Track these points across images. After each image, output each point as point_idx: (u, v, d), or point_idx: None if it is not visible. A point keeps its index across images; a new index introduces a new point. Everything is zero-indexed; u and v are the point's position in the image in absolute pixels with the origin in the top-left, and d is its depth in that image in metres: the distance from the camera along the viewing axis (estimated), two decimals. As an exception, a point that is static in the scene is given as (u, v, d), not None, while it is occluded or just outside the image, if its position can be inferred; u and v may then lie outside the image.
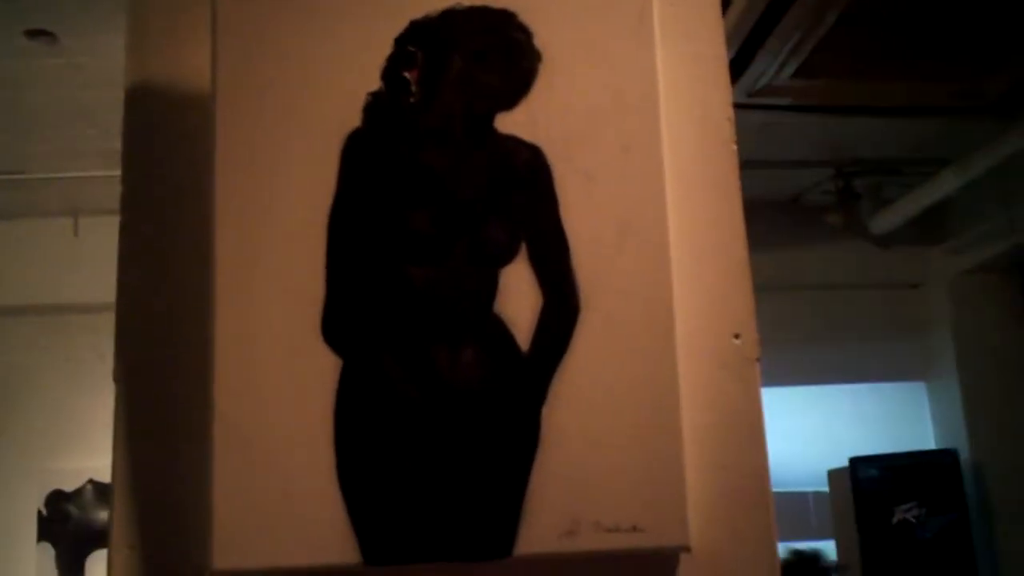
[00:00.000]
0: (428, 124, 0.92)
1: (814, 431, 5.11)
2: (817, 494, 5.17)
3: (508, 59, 0.94)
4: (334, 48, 0.92)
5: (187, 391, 0.88)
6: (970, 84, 3.48)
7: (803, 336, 4.95)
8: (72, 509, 5.25)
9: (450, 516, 0.85)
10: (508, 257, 0.90)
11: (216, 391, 0.85)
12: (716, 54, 1.02)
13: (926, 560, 4.67)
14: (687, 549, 0.88)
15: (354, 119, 0.91)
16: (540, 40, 0.94)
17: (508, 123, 0.93)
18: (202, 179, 0.90)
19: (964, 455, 4.99)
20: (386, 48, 0.93)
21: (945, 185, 4.49)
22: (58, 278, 5.38)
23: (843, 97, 3.59)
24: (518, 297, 0.89)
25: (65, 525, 5.24)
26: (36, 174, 4.84)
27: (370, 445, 0.86)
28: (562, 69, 0.94)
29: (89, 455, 5.06)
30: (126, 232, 0.93)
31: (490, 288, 0.90)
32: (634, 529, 0.86)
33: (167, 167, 0.94)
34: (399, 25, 0.93)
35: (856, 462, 5.00)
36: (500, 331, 0.89)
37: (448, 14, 0.93)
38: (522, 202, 0.91)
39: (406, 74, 0.92)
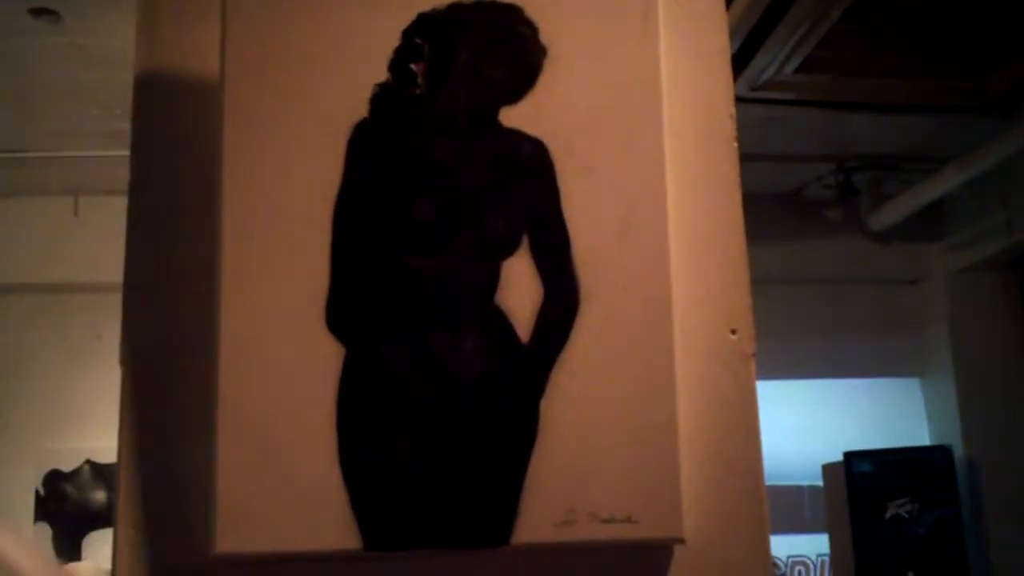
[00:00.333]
0: (434, 116, 0.93)
1: (809, 425, 5.13)
2: (812, 487, 5.19)
3: (514, 53, 0.95)
4: (342, 39, 0.93)
5: (192, 376, 0.89)
6: (972, 82, 3.49)
7: (800, 330, 4.96)
8: (69, 489, 5.26)
9: (449, 504, 0.87)
10: (510, 249, 0.91)
11: (221, 377, 0.86)
12: (719, 51, 1.03)
13: (918, 555, 4.70)
14: (681, 541, 0.89)
15: (361, 109, 0.92)
16: (545, 35, 0.95)
17: (513, 116, 0.94)
18: (210, 166, 0.91)
19: (958, 451, 5.01)
20: (393, 40, 0.93)
21: (945, 182, 4.50)
22: (57, 257, 5.38)
23: (846, 93, 3.60)
24: (519, 289, 0.90)
25: (62, 505, 5.25)
26: (37, 152, 4.84)
27: (372, 433, 0.87)
28: (567, 64, 0.95)
29: (86, 435, 5.07)
30: (133, 217, 0.94)
31: (492, 279, 0.91)
32: (629, 520, 0.87)
33: (175, 153, 0.95)
34: (407, 17, 0.94)
35: (850, 456, 5.02)
36: (501, 322, 0.90)
37: (455, 7, 0.94)
38: (525, 195, 0.93)
39: (413, 66, 0.93)
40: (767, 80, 3.19)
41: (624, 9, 0.97)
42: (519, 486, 0.87)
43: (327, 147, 0.91)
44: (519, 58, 0.94)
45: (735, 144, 1.01)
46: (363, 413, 0.87)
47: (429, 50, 0.94)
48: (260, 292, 0.88)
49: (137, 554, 0.87)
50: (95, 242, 5.31)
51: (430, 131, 0.93)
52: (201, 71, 0.96)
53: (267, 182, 0.90)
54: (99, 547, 5.05)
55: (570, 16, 0.95)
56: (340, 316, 0.88)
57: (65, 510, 5.21)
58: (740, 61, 2.90)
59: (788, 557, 5.16)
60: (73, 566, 2.30)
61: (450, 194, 0.92)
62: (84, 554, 5.09)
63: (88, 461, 5.22)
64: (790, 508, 5.12)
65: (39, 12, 3.52)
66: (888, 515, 4.89)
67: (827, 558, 5.13)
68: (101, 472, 5.17)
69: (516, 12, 0.95)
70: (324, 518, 0.85)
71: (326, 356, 0.88)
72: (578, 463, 0.88)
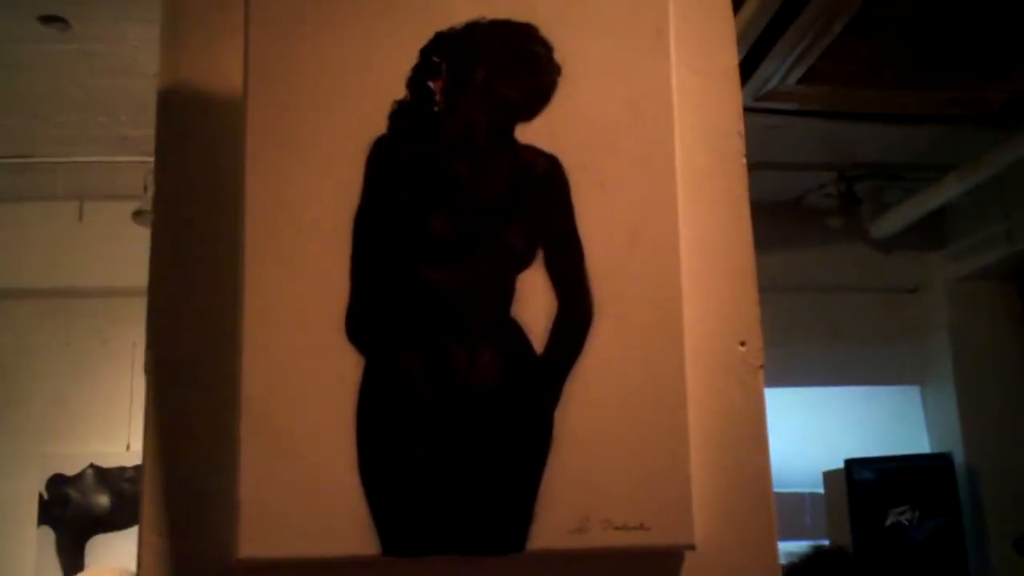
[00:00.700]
0: (451, 132, 0.95)
1: (810, 432, 5.14)
2: (813, 495, 5.21)
3: (529, 71, 0.97)
4: (362, 56, 0.96)
5: (216, 385, 0.92)
6: (973, 93, 3.51)
7: (801, 338, 4.98)
8: (73, 493, 5.27)
9: (465, 511, 0.89)
10: (525, 263, 0.94)
11: (244, 387, 0.88)
12: (728, 68, 1.06)
13: (919, 562, 4.71)
14: (692, 547, 0.91)
15: (380, 125, 0.94)
16: (560, 54, 0.97)
17: (528, 133, 0.96)
18: (232, 179, 0.93)
19: (958, 459, 5.03)
20: (412, 58, 0.96)
21: (946, 191, 4.53)
22: (62, 262, 5.39)
23: (848, 103, 3.62)
24: (534, 302, 0.93)
25: (65, 509, 5.26)
26: (43, 158, 4.86)
27: (390, 441, 0.89)
28: (580, 82, 0.97)
29: (90, 440, 5.08)
30: (158, 230, 0.96)
31: (507, 292, 0.93)
32: (642, 527, 0.90)
33: (199, 167, 0.98)
34: (425, 36, 0.96)
35: (851, 464, 5.04)
36: (516, 334, 0.92)
37: (472, 27, 0.97)
38: (540, 210, 0.95)
39: (431, 84, 0.96)
40: (770, 90, 3.22)
41: (636, 28, 0.99)
42: (534, 494, 0.90)
43: (347, 162, 0.94)
44: (534, 76, 0.97)
45: (743, 160, 1.03)
46: (382, 422, 0.90)
47: (446, 68, 0.96)
48: (282, 303, 0.90)
49: (161, 560, 0.89)
50: (100, 247, 5.34)
51: (447, 147, 0.95)
52: (223, 87, 0.99)
53: (288, 195, 0.92)
54: (102, 551, 5.06)
55: (584, 35, 0.98)
56: (360, 327, 0.91)
57: (68, 514, 5.22)
58: (744, 72, 2.91)
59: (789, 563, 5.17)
60: (99, 571, 2.31)
61: (467, 209, 0.94)
62: (87, 558, 5.10)
63: (91, 465, 5.22)
64: (791, 515, 5.14)
65: (48, 20, 3.56)
66: (889, 522, 4.91)
67: (828, 565, 5.13)
68: (104, 476, 5.18)
69: (531, 31, 0.97)
70: (344, 524, 0.87)
71: (346, 366, 0.90)
72: (592, 471, 0.90)
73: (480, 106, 0.96)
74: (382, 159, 0.94)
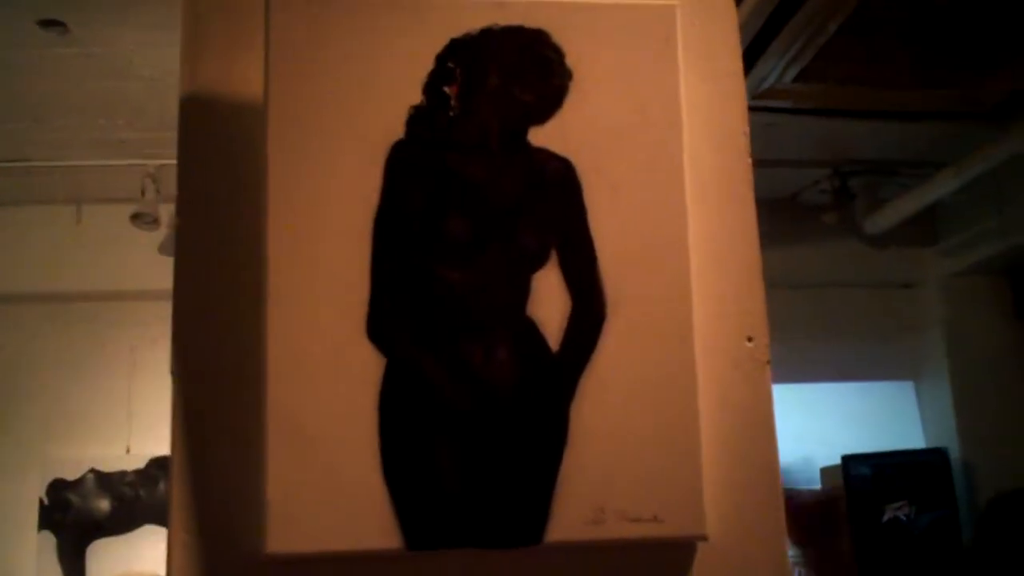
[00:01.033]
0: (466, 136, 0.98)
1: (807, 428, 5.17)
2: (811, 492, 5.23)
3: (541, 76, 1.00)
4: (379, 62, 0.98)
5: (241, 385, 0.94)
6: (967, 92, 3.55)
7: (796, 334, 5.00)
8: (73, 498, 5.26)
9: (485, 505, 0.91)
10: (539, 263, 0.96)
11: (269, 386, 0.91)
12: (734, 72, 1.08)
13: (916, 557, 4.74)
14: (704, 538, 0.94)
15: (397, 130, 0.97)
16: (571, 59, 1.00)
17: (541, 136, 0.99)
18: (254, 185, 0.95)
19: (954, 454, 5.06)
20: (428, 64, 0.98)
21: (940, 187, 4.56)
22: (60, 266, 5.39)
23: (843, 101, 3.66)
24: (549, 301, 0.95)
25: (66, 514, 5.26)
26: (41, 162, 4.87)
27: (412, 438, 0.92)
28: (592, 86, 1.00)
29: (90, 444, 5.07)
30: (183, 234, 0.99)
31: (523, 292, 0.96)
32: (655, 519, 0.92)
33: (221, 173, 1.00)
34: (440, 43, 0.99)
35: (848, 460, 5.07)
36: (532, 332, 0.95)
37: (486, 33, 0.99)
38: (553, 211, 0.98)
39: (446, 89, 0.98)
40: (767, 89, 3.25)
41: (645, 34, 1.02)
42: (551, 487, 0.92)
43: (366, 166, 0.96)
44: (546, 80, 0.99)
45: (749, 161, 1.06)
46: (403, 419, 0.92)
47: (461, 74, 0.99)
48: (304, 304, 0.93)
49: (191, 557, 0.92)
50: (98, 250, 5.34)
51: (463, 150, 0.98)
52: (244, 94, 1.01)
53: (309, 199, 0.95)
54: (103, 556, 5.07)
55: (594, 41, 1.00)
56: (380, 327, 0.93)
57: (68, 519, 5.21)
58: (740, 71, 2.95)
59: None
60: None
61: (483, 211, 0.96)
62: (88, 563, 5.10)
63: (92, 470, 5.21)
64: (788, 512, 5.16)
65: (47, 24, 3.57)
66: (886, 518, 4.94)
67: (826, 560, 5.16)
68: (105, 481, 5.17)
69: (544, 37, 1.00)
70: (368, 519, 0.90)
71: (367, 365, 0.92)
72: (606, 465, 0.93)
73: (494, 110, 0.98)
74: (400, 163, 0.96)
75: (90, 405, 5.45)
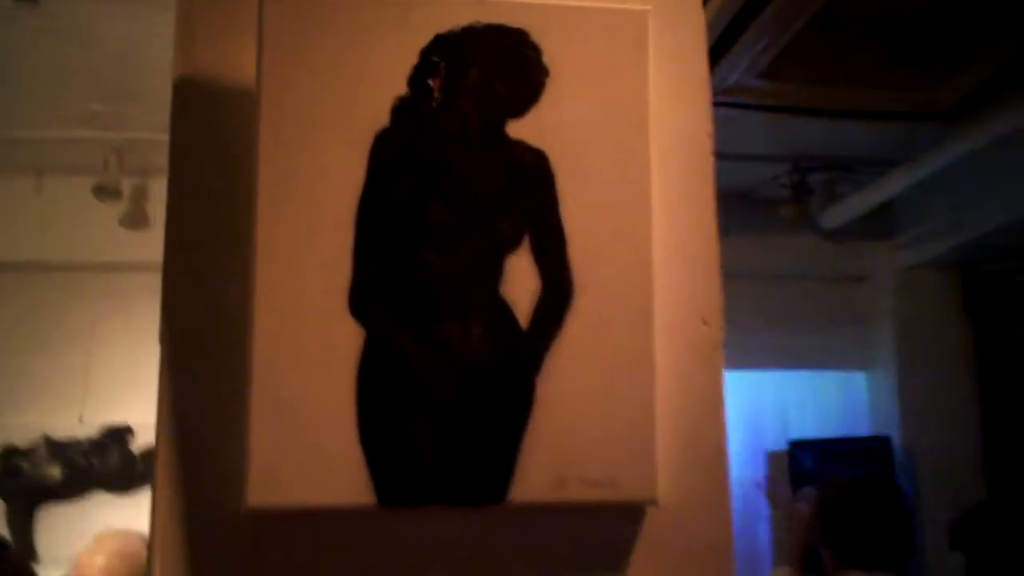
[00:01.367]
0: (448, 127, 1.05)
1: (757, 414, 5.30)
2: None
3: (520, 73, 1.07)
4: (368, 55, 1.05)
5: (226, 354, 1.00)
6: (925, 93, 3.67)
7: (751, 323, 5.11)
8: (24, 465, 5.25)
9: (454, 466, 0.99)
10: (513, 247, 1.04)
11: (254, 354, 0.97)
12: (700, 76, 1.16)
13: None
14: (655, 503, 1.03)
15: (383, 119, 1.03)
16: (548, 57, 1.07)
17: (517, 129, 1.06)
18: (245, 166, 1.02)
19: (897, 442, 5.22)
20: (413, 58, 1.05)
21: (894, 185, 4.69)
22: (19, 235, 5.35)
23: (804, 100, 3.76)
24: (520, 282, 1.03)
25: (17, 480, 5.25)
26: (1, 131, 4.84)
27: (387, 405, 0.99)
28: (566, 84, 1.07)
29: (44, 412, 5.06)
30: (173, 212, 1.04)
31: (496, 273, 1.03)
32: (611, 484, 1.01)
33: (212, 154, 1.06)
34: (425, 38, 1.05)
35: (795, 445, 5.21)
36: (504, 311, 1.03)
37: (469, 30, 1.06)
38: (527, 199, 1.05)
39: (430, 82, 1.05)
40: (730, 86, 3.34)
41: (618, 36, 1.09)
42: (516, 452, 1.00)
43: (353, 152, 1.03)
44: (524, 77, 1.07)
45: (711, 159, 1.14)
46: (380, 388, 0.99)
47: (445, 68, 1.05)
48: (290, 280, 0.99)
49: (174, 512, 0.98)
50: (59, 222, 5.32)
51: (444, 141, 1.05)
52: (236, 79, 1.07)
53: (298, 182, 1.01)
54: (52, 522, 5.07)
55: (570, 42, 1.08)
56: (362, 303, 1.00)
57: (20, 485, 5.20)
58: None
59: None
60: (101, 533, 2.38)
61: (461, 197, 1.04)
62: (36, 528, 5.09)
63: (44, 437, 5.20)
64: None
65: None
66: (829, 502, 5.08)
67: (771, 542, 5.30)
68: (57, 448, 5.16)
69: (523, 36, 1.07)
70: (344, 477, 0.97)
71: (349, 337, 0.99)
72: (568, 433, 1.01)
73: (475, 103, 1.05)
74: (384, 151, 1.03)
75: (45, 373, 5.42)
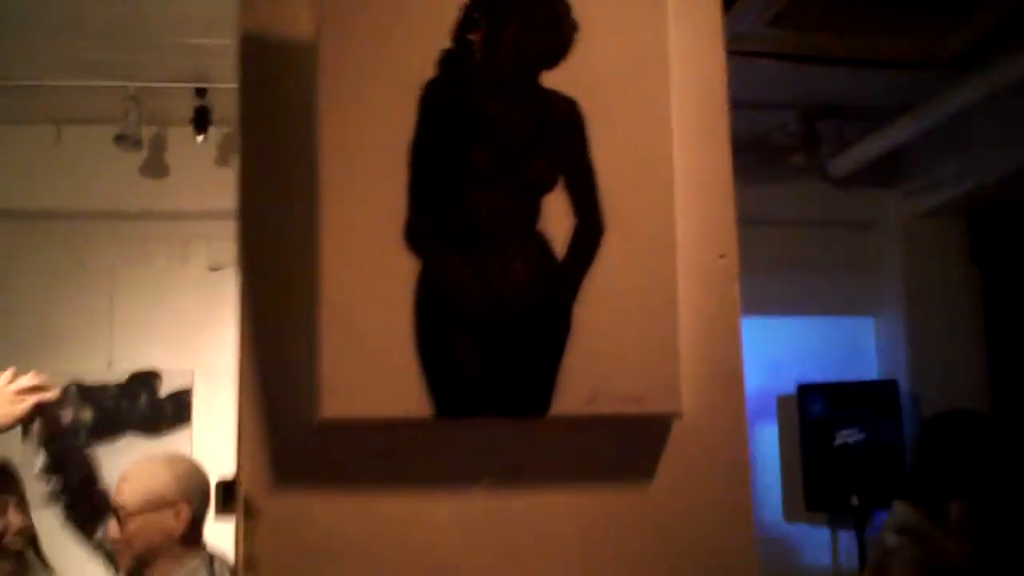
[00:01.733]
0: (488, 78, 1.16)
1: (768, 360, 5.40)
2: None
3: (553, 27, 1.17)
4: (416, 11, 1.15)
5: (298, 283, 1.12)
6: (931, 41, 3.74)
7: (761, 269, 5.19)
8: (56, 410, 5.40)
9: (502, 383, 1.11)
10: (548, 187, 1.15)
11: (323, 283, 1.09)
12: (716, 28, 1.26)
13: (862, 480, 5.03)
14: (679, 415, 1.15)
15: (430, 70, 1.14)
16: (577, 13, 1.18)
17: (551, 79, 1.16)
18: (306, 113, 1.13)
19: (904, 386, 5.34)
20: (456, 13, 1.16)
21: (901, 132, 4.76)
22: (38, 185, 5.45)
23: (812, 48, 3.83)
24: (556, 219, 1.14)
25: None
26: (19, 81, 4.91)
27: (442, 327, 1.11)
28: (593, 39, 1.18)
29: (72, 359, 5.20)
30: (246, 158, 1.16)
31: (534, 212, 1.14)
32: (640, 399, 1.13)
33: (278, 102, 1.17)
34: (467, -5, 1.16)
35: (803, 389, 5.34)
36: (541, 245, 1.14)
37: None
38: (560, 143, 1.16)
39: (471, 36, 1.15)
40: (740, 34, 3.42)
41: (641, -7, 1.20)
42: (556, 370, 1.12)
43: (403, 101, 1.13)
44: (557, 31, 1.17)
45: (726, 105, 1.25)
46: (434, 312, 1.11)
47: (485, 23, 1.16)
48: (353, 217, 1.11)
49: (256, 424, 1.11)
50: (78, 171, 5.42)
51: (485, 91, 1.15)
52: (296, 34, 1.17)
53: (356, 128, 1.12)
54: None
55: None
56: (415, 236, 1.12)
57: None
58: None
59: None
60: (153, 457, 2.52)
61: (501, 143, 1.15)
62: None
63: (75, 382, 5.34)
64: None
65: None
66: (836, 443, 5.22)
67: (779, 482, 5.44)
68: (88, 393, 5.31)
69: None
70: (405, 392, 1.09)
71: (405, 266, 1.11)
72: (601, 354, 1.13)
73: (513, 56, 1.16)
74: (431, 100, 1.14)
75: (71, 321, 5.56)
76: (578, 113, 1.16)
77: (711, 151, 1.24)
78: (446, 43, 1.15)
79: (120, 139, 5.19)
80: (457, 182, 1.13)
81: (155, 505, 2.29)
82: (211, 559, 2.40)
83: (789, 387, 5.36)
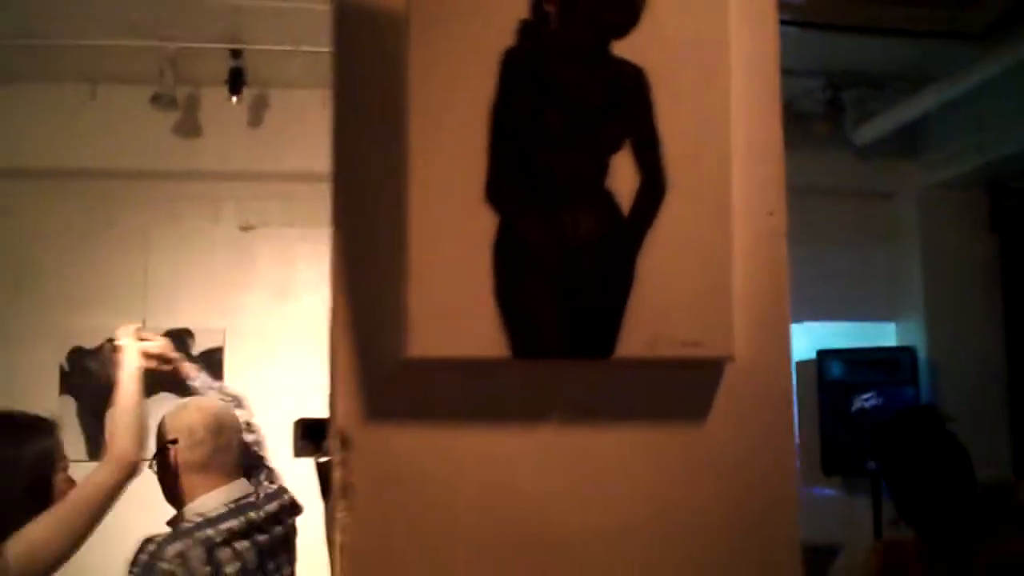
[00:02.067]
0: (562, 47, 1.25)
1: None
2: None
3: (624, 0, 1.27)
4: (497, -15, 1.25)
5: (387, 237, 1.22)
6: (956, 13, 3.80)
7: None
8: (92, 365, 5.54)
9: (572, 327, 1.22)
10: (616, 148, 1.25)
11: (410, 236, 1.20)
12: (770, 7, 1.36)
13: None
14: (732, 359, 1.26)
15: (510, 39, 1.24)
16: (645, -12, 1.27)
17: (620, 48, 1.26)
18: (397, 81, 1.23)
19: (922, 353, 5.44)
20: (534, -15, 1.25)
21: (923, 103, 4.83)
22: (72, 143, 5.55)
23: (838, 17, 3.90)
24: (623, 178, 1.24)
25: (86, 379, 5.54)
26: (55, 40, 5.00)
27: (518, 276, 1.21)
28: (660, 12, 1.27)
29: (107, 315, 5.31)
30: (339, 118, 1.26)
31: (602, 171, 1.25)
32: (696, 343, 1.24)
33: (368, 71, 1.27)
34: (544, -31, 1.25)
35: (823, 354, 5.45)
36: (609, 202, 1.24)
37: None
38: (628, 108, 1.26)
39: (547, 7, 1.25)
40: (773, 3, 3.48)
41: (703, -28, 1.29)
42: (620, 317, 1.23)
43: (485, 67, 1.23)
44: (628, 3, 1.27)
45: (778, 75, 1.34)
46: (511, 262, 1.22)
47: (560, -5, 1.25)
48: (438, 175, 1.21)
49: (349, 361, 1.22)
50: (112, 129, 5.53)
51: (560, 58, 1.25)
52: (388, 6, 1.27)
53: (442, 93, 1.22)
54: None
55: (664, -25, 1.28)
56: (495, 192, 1.22)
57: (89, 384, 5.50)
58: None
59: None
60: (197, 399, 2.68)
61: (574, 107, 1.25)
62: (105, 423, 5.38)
63: (109, 339, 5.44)
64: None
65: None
66: (854, 408, 5.33)
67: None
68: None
69: None
70: (485, 333, 1.20)
71: (485, 220, 1.21)
72: (663, 301, 1.23)
73: (585, 26, 1.26)
74: (511, 66, 1.24)
75: (106, 279, 5.68)
76: (645, 81, 1.26)
77: (764, 117, 1.33)
78: (524, 14, 1.25)
79: (156, 99, 5.29)
80: (533, 143, 1.23)
81: (160, 444, 2.57)
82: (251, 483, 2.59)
83: (809, 352, 5.47)
